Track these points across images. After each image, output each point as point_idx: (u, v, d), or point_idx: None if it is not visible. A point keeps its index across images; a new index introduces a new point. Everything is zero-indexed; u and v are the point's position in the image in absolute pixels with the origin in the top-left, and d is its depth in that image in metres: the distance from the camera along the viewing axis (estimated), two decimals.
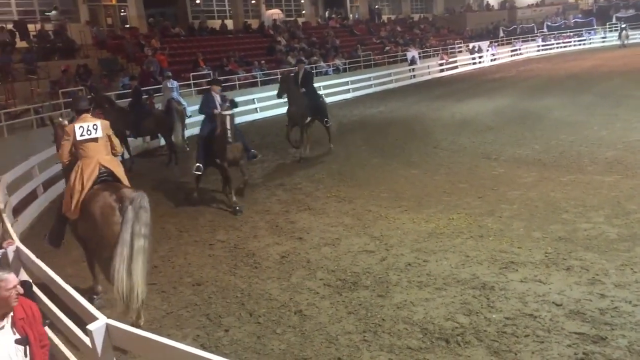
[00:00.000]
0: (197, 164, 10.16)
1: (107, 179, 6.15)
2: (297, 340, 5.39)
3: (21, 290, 3.69)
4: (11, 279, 3.61)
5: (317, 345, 5.25)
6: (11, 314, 3.69)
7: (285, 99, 13.57)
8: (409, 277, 6.51)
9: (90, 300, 6.15)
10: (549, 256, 6.68)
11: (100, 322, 3.73)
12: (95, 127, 6.22)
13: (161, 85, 18.53)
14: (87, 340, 3.98)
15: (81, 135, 6.16)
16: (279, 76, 24.83)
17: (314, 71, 27.25)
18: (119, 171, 6.33)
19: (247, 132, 18.53)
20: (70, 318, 4.93)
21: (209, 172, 10.95)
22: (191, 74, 21.88)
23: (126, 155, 14.25)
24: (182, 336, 5.65)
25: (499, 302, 5.70)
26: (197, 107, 19.04)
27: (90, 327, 3.70)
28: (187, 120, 17.17)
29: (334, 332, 5.44)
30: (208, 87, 11.13)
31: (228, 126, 9.43)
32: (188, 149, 16.16)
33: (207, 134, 10.10)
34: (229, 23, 33.68)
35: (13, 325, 3.70)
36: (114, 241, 5.44)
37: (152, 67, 21.71)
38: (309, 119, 13.72)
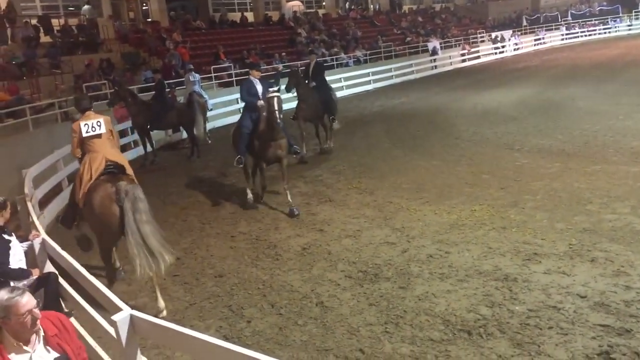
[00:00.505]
0: (238, 156, 9.45)
1: (112, 171, 6.54)
2: (319, 331, 5.41)
3: (38, 315, 3.34)
4: (23, 302, 3.23)
5: (338, 337, 5.26)
6: (42, 332, 3.42)
7: (294, 94, 13.10)
8: (430, 268, 6.49)
9: (114, 275, 6.74)
10: (573, 247, 6.60)
11: (124, 313, 3.78)
12: (99, 123, 6.68)
13: (183, 79, 18.66)
14: (112, 330, 4.05)
15: (87, 132, 6.62)
16: (299, 68, 25.05)
17: (335, 62, 27.26)
18: (125, 163, 6.84)
19: None
20: (95, 309, 5.03)
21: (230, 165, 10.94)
22: (212, 67, 21.97)
23: (149, 149, 14.41)
24: (205, 327, 5.71)
25: (522, 294, 5.65)
26: (218, 99, 19.53)
27: (114, 317, 3.75)
28: (209, 113, 17.27)
29: (355, 324, 5.45)
30: (246, 75, 10.76)
31: (276, 107, 8.68)
32: (210, 141, 16.29)
33: (249, 125, 9.37)
34: (250, 15, 33.72)
35: (46, 343, 3.44)
36: (109, 231, 6.12)
37: (173, 60, 21.86)
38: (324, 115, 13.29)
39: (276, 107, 8.69)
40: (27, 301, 3.25)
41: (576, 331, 4.87)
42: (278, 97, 8.75)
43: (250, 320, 5.78)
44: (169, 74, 20.06)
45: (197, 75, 17.69)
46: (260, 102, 9.20)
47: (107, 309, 4.19)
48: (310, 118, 13.14)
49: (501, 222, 7.69)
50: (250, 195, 9.79)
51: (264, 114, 8.98)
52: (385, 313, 5.59)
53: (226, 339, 5.35)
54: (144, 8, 30.57)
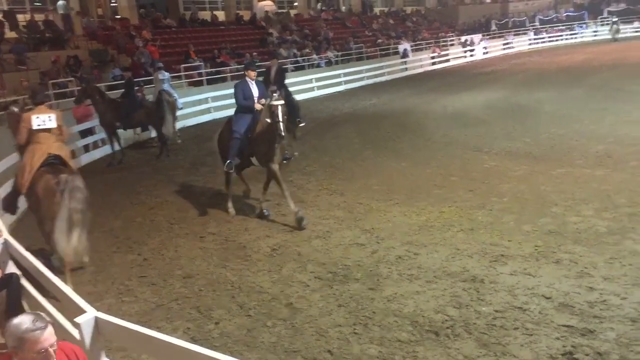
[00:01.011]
0: (228, 161, 8.83)
1: (53, 162, 7.00)
2: (288, 332, 5.39)
3: (54, 351, 2.98)
4: (42, 338, 2.87)
5: (307, 338, 5.25)
6: None
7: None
8: (399, 270, 6.52)
9: (48, 259, 6.92)
10: (538, 249, 6.71)
11: (89, 315, 3.71)
12: (50, 118, 7.11)
13: (152, 77, 18.44)
14: (75, 333, 3.96)
15: (37, 125, 7.03)
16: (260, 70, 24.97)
17: (306, 63, 27.27)
18: (67, 156, 7.27)
19: None
20: (59, 311, 4.92)
21: (204, 165, 10.87)
22: (182, 65, 21.77)
23: (116, 147, 14.19)
24: (172, 329, 5.64)
25: (488, 295, 5.72)
26: (188, 98, 19.34)
27: (78, 319, 3.67)
28: (179, 112, 17.11)
29: (324, 325, 5.45)
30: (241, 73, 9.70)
31: (280, 118, 7.99)
32: (179, 141, 16.12)
33: (241, 130, 8.74)
34: (221, 14, 33.48)
35: None
36: (52, 217, 6.50)
37: (143, 58, 21.60)
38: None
39: (280, 117, 8.00)
40: (47, 337, 2.91)
41: (541, 332, 4.95)
42: (282, 104, 8.08)
43: (218, 322, 5.74)
44: (138, 72, 19.80)
45: (166, 73, 17.50)
46: (258, 106, 8.70)
47: (72, 311, 4.11)
48: None
49: (469, 224, 7.78)
50: (231, 209, 9.25)
51: (266, 119, 8.29)
52: (354, 314, 5.60)
53: (194, 340, 5.30)
54: (112, 5, 30.10)
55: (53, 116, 7.10)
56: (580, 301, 5.40)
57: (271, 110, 8.11)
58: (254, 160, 8.97)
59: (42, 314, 3.05)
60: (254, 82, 9.00)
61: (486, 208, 8.37)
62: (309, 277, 6.59)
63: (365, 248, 7.28)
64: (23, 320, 2.91)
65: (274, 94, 8.21)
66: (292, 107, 11.98)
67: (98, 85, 16.15)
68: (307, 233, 8.02)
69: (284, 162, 9.03)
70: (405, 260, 6.77)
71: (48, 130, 7.06)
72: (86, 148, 14.97)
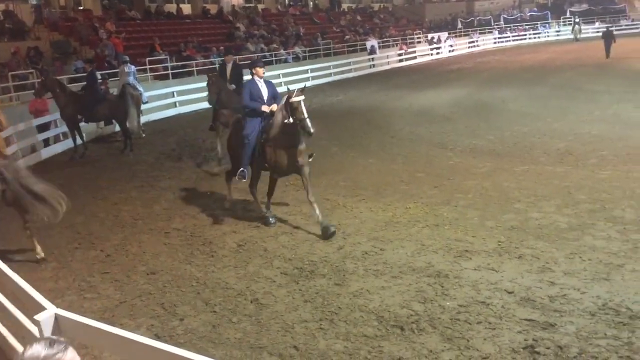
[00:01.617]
0: (241, 169, 8.10)
1: None
2: (253, 328, 5.36)
3: None
4: None
5: (273, 334, 5.23)
6: None
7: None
8: (365, 265, 6.56)
9: None
10: (501, 245, 6.82)
11: (49, 312, 3.62)
12: None
13: (116, 70, 18.10)
14: (35, 330, 3.87)
15: None
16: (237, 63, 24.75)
17: (274, 58, 27.14)
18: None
19: (205, 118, 18.33)
20: (18, 307, 4.80)
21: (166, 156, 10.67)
22: (147, 58, 21.44)
23: (78, 141, 13.89)
24: (136, 326, 5.55)
25: (453, 289, 5.80)
26: (153, 92, 19.05)
27: (38, 317, 3.58)
28: (144, 106, 16.84)
29: (290, 321, 5.44)
30: (250, 71, 8.38)
31: (305, 115, 7.37)
32: (144, 135, 15.87)
33: (253, 134, 7.96)
34: (187, 7, 33.07)
35: None
36: None
37: (106, 50, 21.19)
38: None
39: (305, 114, 7.40)
40: (72, 358, 2.43)
41: (503, 326, 5.03)
42: (303, 99, 7.46)
43: (183, 318, 5.67)
44: (102, 65, 19.42)
45: (132, 66, 17.17)
46: (268, 108, 7.97)
47: (31, 308, 4.01)
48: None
49: (434, 220, 7.86)
50: (272, 219, 8.20)
51: (279, 119, 7.69)
52: (320, 310, 5.60)
53: (158, 337, 5.23)
54: None
55: None
56: (542, 295, 5.51)
57: (293, 108, 7.40)
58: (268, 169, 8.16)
59: (53, 337, 2.70)
60: (262, 81, 8.16)
61: (451, 204, 8.48)
62: (275, 272, 6.57)
63: (332, 244, 7.29)
64: (37, 349, 2.41)
65: (297, 89, 7.56)
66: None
67: (59, 77, 15.77)
68: (273, 229, 7.99)
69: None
70: (371, 256, 6.81)
71: None
72: (46, 142, 14.62)
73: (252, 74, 8.22)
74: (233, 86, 11.39)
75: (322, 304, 5.72)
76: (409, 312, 5.42)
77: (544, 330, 4.91)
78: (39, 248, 7.43)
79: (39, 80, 15.53)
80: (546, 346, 4.66)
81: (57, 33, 23.24)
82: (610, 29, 31.84)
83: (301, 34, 32.30)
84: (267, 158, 8.00)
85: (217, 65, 23.46)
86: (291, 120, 7.48)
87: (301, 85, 8.03)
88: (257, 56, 26.18)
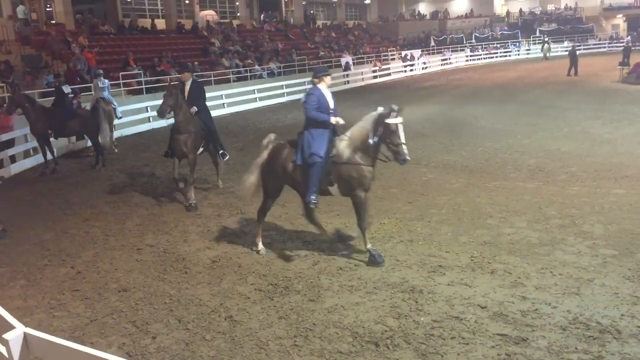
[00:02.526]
0: (312, 195, 7.04)
1: None
2: (227, 346, 5.31)
3: None
4: None
5: (247, 351, 5.19)
6: None
7: (172, 119, 10.03)
8: (340, 281, 6.55)
9: None
10: (474, 260, 6.89)
11: (17, 331, 3.54)
12: None
13: (89, 84, 17.93)
14: (3, 350, 3.78)
15: None
16: (211, 78, 24.74)
17: (249, 74, 27.16)
18: None
19: None
20: None
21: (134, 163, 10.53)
22: (121, 73, 21.29)
23: (49, 156, 13.67)
24: (107, 344, 5.45)
25: (427, 305, 5.83)
26: (126, 107, 18.91)
27: (6, 336, 3.50)
28: (116, 121, 16.70)
29: (264, 338, 5.40)
30: (314, 78, 7.55)
31: (403, 139, 6.80)
32: (117, 150, 15.71)
33: (323, 151, 6.96)
34: (161, 22, 33.01)
35: None
36: None
37: (79, 65, 20.98)
38: (201, 149, 10.42)
39: (403, 139, 6.81)
40: None
41: (477, 340, 5.07)
42: (401, 122, 6.77)
43: (155, 336, 5.59)
44: (74, 79, 19.21)
45: (106, 81, 17.02)
46: (340, 121, 7.26)
47: None
48: (188, 154, 9.96)
49: (408, 235, 7.91)
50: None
51: (358, 136, 7.03)
52: (294, 326, 5.58)
53: (129, 356, 5.15)
54: (47, 9, 29.13)
55: None
56: (514, 310, 5.57)
57: (390, 130, 6.73)
58: (333, 189, 7.21)
59: None
60: (329, 92, 7.40)
61: (425, 220, 8.54)
62: (249, 289, 6.52)
63: (307, 260, 7.28)
64: None
65: (394, 108, 6.73)
66: (212, 133, 10.60)
67: (30, 92, 15.56)
68: (248, 245, 7.94)
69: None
70: (346, 272, 6.81)
71: None
72: (12, 158, 14.28)
73: (316, 82, 7.37)
74: (195, 109, 10.03)
75: (297, 320, 5.70)
76: (384, 327, 5.42)
77: (516, 345, 4.96)
78: None
79: (8, 95, 15.28)
80: None
81: (29, 47, 22.96)
82: (575, 48, 32.66)
83: (279, 49, 32.43)
84: (334, 178, 7.09)
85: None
86: (375, 140, 6.88)
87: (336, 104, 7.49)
88: (232, 72, 26.21)
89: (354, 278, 6.61)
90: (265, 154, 7.45)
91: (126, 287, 6.80)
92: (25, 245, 8.51)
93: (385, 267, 6.86)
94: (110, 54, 24.68)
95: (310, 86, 7.45)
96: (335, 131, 7.29)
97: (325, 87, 7.33)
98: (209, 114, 10.80)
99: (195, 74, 23.85)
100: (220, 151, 10.70)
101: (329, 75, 7.45)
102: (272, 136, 7.67)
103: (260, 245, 7.63)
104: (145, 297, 6.49)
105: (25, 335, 3.55)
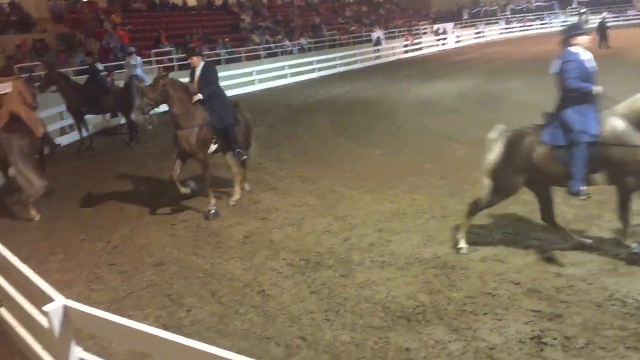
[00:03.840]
0: (580, 186, 5.88)
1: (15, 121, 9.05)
2: (260, 319, 5.38)
3: None
4: None
5: (279, 325, 5.25)
6: None
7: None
8: (371, 257, 6.55)
9: None
10: (508, 236, 6.81)
11: (57, 303, 3.64)
12: (6, 86, 9.30)
13: (122, 62, 18.12)
14: (44, 321, 3.89)
15: (0, 91, 9.20)
16: (242, 54, 24.72)
17: (279, 50, 27.06)
18: (25, 115, 9.30)
19: None
20: (27, 299, 4.83)
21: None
22: (153, 50, 21.43)
23: (84, 134, 13.92)
24: (143, 317, 5.58)
25: (459, 281, 5.79)
26: None
27: (47, 308, 3.61)
28: None
29: (296, 312, 5.45)
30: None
31: None
32: (150, 127, 15.89)
33: (594, 129, 5.76)
34: None
35: None
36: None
37: (111, 42, 21.18)
38: (213, 146, 8.76)
39: None
40: None
41: (510, 316, 5.03)
42: None
43: (190, 309, 5.69)
44: (107, 57, 19.42)
45: (138, 58, 17.21)
46: (599, 89, 5.92)
47: (40, 300, 4.03)
48: (195, 153, 8.61)
49: (441, 211, 7.84)
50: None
51: (620, 110, 5.83)
52: (326, 301, 5.61)
53: (165, 328, 5.24)
54: None
55: (9, 84, 9.38)
56: (548, 286, 5.50)
57: None
58: (599, 177, 5.95)
59: None
60: (588, 53, 6.14)
61: (458, 196, 8.45)
62: (281, 264, 6.58)
63: (338, 235, 7.30)
64: None
65: None
66: (227, 128, 8.66)
67: (65, 70, 15.79)
68: (279, 220, 8.00)
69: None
70: (377, 247, 6.81)
71: (6, 94, 9.23)
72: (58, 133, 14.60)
73: (570, 45, 6.09)
74: (200, 96, 8.49)
75: (328, 295, 5.73)
76: (415, 303, 5.42)
77: (550, 321, 4.90)
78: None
79: (44, 72, 15.55)
80: (553, 337, 4.65)
81: (63, 25, 23.26)
82: (605, 20, 31.64)
83: (316, 23, 32.12)
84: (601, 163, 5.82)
85: (222, 57, 23.55)
86: None
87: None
88: (262, 48, 26.09)
89: (385, 254, 6.60)
90: (497, 148, 6.43)
91: (161, 261, 6.93)
92: (62, 221, 8.73)
93: (416, 243, 6.83)
94: (142, 31, 24.84)
95: (564, 52, 6.10)
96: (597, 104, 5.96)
97: (582, 50, 6.05)
98: (225, 101, 8.89)
99: (226, 50, 24.03)
100: (237, 150, 8.78)
101: (584, 34, 6.08)
102: (501, 127, 6.68)
103: (463, 243, 6.48)
104: (180, 271, 6.61)
105: (65, 307, 3.65)
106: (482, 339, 4.73)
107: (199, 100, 8.50)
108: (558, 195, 8.00)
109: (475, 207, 6.56)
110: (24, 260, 4.94)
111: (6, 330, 5.50)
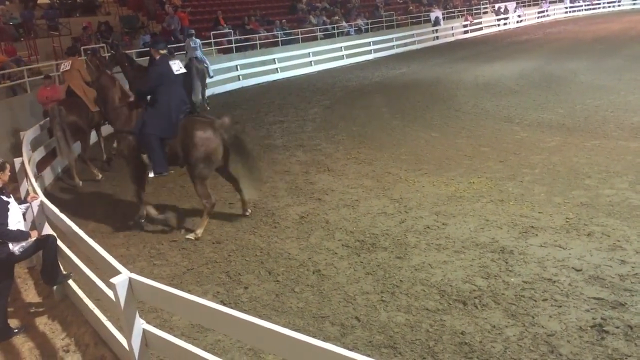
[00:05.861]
0: None
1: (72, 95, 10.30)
2: (315, 299, 5.45)
3: None
4: None
5: (334, 304, 5.31)
6: None
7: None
8: (427, 239, 6.52)
9: None
10: (569, 222, 6.62)
11: (123, 276, 3.80)
12: (67, 64, 10.69)
13: (182, 44, 18.45)
14: (110, 293, 4.07)
15: (62, 69, 10.83)
16: (299, 36, 24.75)
17: (336, 31, 26.92)
18: (81, 91, 10.31)
19: (268, 91, 18.52)
20: (93, 271, 5.06)
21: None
22: (212, 32, 21.72)
23: None
24: (203, 292, 5.75)
25: (517, 266, 5.69)
26: (217, 66, 19.35)
27: (113, 280, 3.77)
28: (208, 80, 17.13)
29: (351, 292, 5.49)
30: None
31: None
32: (208, 108, 16.18)
33: None
34: None
35: None
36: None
37: (172, 25, 21.58)
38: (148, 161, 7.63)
39: None
40: None
41: (570, 304, 4.92)
42: None
43: (247, 287, 5.83)
44: (168, 39, 19.80)
45: (197, 40, 17.49)
46: None
47: (106, 272, 4.21)
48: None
49: (499, 195, 7.70)
50: None
51: None
52: (381, 282, 5.63)
53: (223, 304, 5.40)
54: None
55: (70, 62, 10.72)
56: (612, 274, 5.34)
57: None
58: None
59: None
60: None
61: (517, 179, 8.27)
62: (336, 245, 6.63)
63: (394, 217, 7.28)
64: None
65: None
66: (144, 137, 7.27)
67: (129, 51, 16.22)
68: (335, 201, 8.04)
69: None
70: (433, 230, 6.76)
71: (67, 71, 10.57)
72: None
73: None
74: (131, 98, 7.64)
75: (384, 276, 5.74)
76: (472, 287, 5.37)
77: (613, 309, 4.76)
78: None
79: (109, 54, 16.03)
80: (615, 325, 4.53)
81: (126, 8, 23.87)
82: None
83: (374, 3, 31.72)
84: None
85: (279, 39, 23.63)
86: None
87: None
88: (319, 29, 26.09)
89: (442, 237, 6.55)
90: None
91: (219, 239, 7.09)
92: (126, 198, 9.04)
93: (473, 226, 6.74)
94: (201, 13, 25.18)
95: None
96: None
97: None
98: (165, 106, 7.22)
99: (283, 31, 24.08)
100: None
101: None
102: None
103: None
104: (237, 249, 6.75)
105: (130, 280, 3.81)
106: (541, 325, 4.65)
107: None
108: (625, 181, 7.73)
109: None
110: (90, 234, 5.18)
111: (74, 302, 5.79)
